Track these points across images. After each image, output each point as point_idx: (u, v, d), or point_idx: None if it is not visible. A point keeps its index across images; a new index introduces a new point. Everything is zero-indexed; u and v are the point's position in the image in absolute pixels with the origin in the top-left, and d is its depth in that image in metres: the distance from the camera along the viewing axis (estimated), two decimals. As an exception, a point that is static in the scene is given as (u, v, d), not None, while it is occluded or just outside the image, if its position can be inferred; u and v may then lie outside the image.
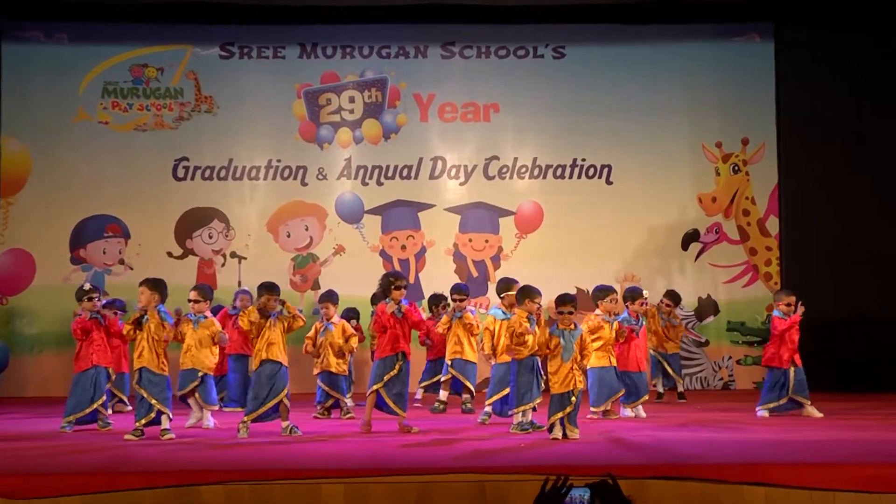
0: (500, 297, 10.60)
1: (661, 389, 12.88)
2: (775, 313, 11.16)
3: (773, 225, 14.96)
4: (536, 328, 9.67)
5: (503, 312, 10.44)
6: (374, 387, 9.70)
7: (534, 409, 9.71)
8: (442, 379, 11.69)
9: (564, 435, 9.06)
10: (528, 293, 9.80)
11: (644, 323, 11.44)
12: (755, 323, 14.76)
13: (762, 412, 10.94)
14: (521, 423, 9.61)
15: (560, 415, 9.07)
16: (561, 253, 14.76)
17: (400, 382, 9.71)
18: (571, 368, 9.12)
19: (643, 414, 11.07)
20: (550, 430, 9.10)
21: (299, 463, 7.75)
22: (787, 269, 14.67)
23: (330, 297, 11.47)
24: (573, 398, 9.08)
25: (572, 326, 9.25)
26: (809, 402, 10.99)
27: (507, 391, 10.14)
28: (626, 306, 11.25)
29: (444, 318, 11.71)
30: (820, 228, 14.34)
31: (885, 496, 6.97)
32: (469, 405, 11.46)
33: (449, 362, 11.55)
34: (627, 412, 11.02)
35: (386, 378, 9.67)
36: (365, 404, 9.98)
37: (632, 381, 11.04)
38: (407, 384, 9.86)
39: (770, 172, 14.96)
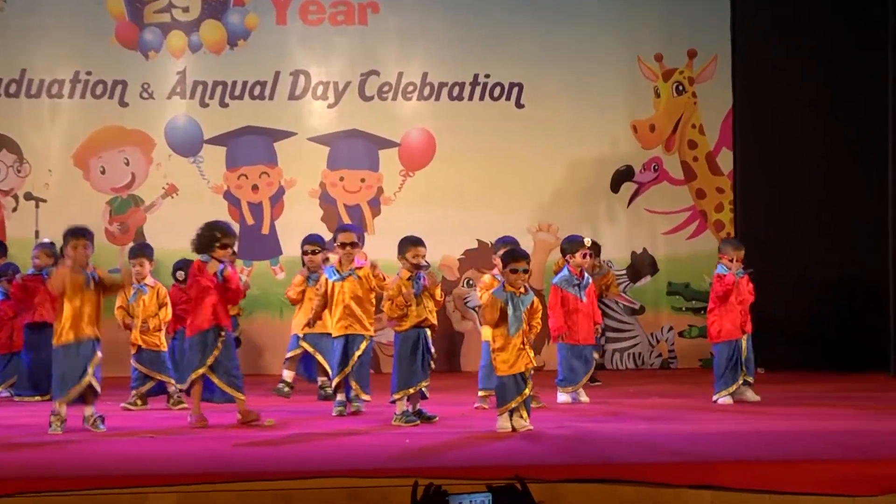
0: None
1: None
2: (718, 269, 11.37)
3: (725, 160, 15.22)
4: (435, 291, 9.71)
5: (335, 272, 10.42)
6: (199, 371, 9.66)
7: (423, 394, 9.78)
8: (289, 355, 11.73)
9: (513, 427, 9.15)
10: (409, 246, 9.83)
11: (591, 281, 11.58)
12: (702, 284, 15.04)
13: (724, 399, 11.14)
14: (405, 412, 9.67)
15: (516, 402, 9.09)
16: (458, 195, 14.83)
17: (229, 359, 9.72)
18: (522, 344, 9.16)
19: (585, 398, 11.31)
20: (501, 418, 9.14)
21: (120, 467, 7.69)
22: (742, 215, 14.94)
23: (144, 251, 11.38)
24: (527, 381, 9.13)
25: (522, 290, 9.29)
26: (751, 381, 11.26)
27: (348, 368, 10.19)
28: (566, 261, 11.36)
29: (298, 279, 11.74)
30: (784, 165, 14.60)
31: (858, 499, 7.18)
32: (328, 389, 11.52)
33: (300, 335, 11.62)
34: (564, 397, 11.23)
35: (210, 360, 9.64)
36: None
37: (577, 359, 11.27)
38: (237, 360, 9.87)
39: (723, 94, 15.19)
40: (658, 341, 15.11)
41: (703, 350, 14.82)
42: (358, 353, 10.22)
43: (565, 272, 11.38)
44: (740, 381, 11.18)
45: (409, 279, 9.73)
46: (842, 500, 7.19)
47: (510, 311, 9.12)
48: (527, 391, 9.14)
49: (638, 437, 8.91)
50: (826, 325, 14.24)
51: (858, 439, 8.57)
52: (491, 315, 9.16)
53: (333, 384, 10.40)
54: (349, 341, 10.27)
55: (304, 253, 11.85)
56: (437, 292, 9.87)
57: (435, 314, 9.90)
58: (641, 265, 15.15)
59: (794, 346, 14.02)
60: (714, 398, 11.17)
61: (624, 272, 15.02)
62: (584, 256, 11.39)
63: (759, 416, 10.16)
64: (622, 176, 15.17)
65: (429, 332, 9.81)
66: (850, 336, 14.17)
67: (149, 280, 11.22)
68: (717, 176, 15.22)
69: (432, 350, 9.83)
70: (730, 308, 11.23)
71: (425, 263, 9.84)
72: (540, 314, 9.35)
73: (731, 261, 11.22)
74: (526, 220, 14.86)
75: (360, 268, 10.37)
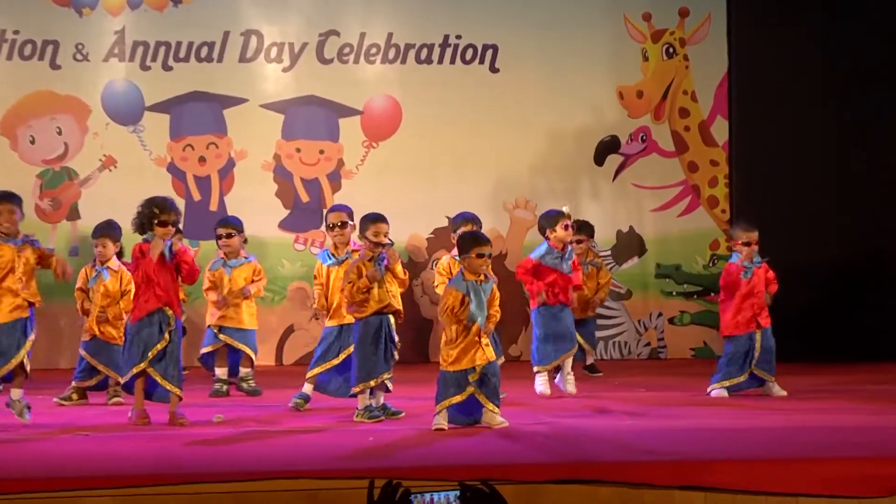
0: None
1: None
2: (732, 258, 11.37)
3: (720, 130, 15.26)
4: (396, 267, 9.71)
5: (330, 256, 10.51)
6: (140, 366, 9.64)
7: (386, 388, 9.80)
8: (205, 350, 11.80)
9: (476, 421, 9.19)
10: (369, 223, 9.83)
11: (574, 257, 11.58)
12: (695, 266, 15.09)
13: (719, 391, 11.19)
14: (368, 407, 9.70)
15: (456, 399, 9.14)
16: (426, 169, 14.84)
17: (173, 353, 9.70)
18: (478, 336, 9.21)
19: (571, 388, 11.38)
20: (438, 415, 9.22)
21: (49, 467, 7.68)
22: (739, 191, 14.97)
23: (110, 230, 11.31)
24: (474, 375, 9.16)
25: (482, 278, 9.30)
26: (773, 379, 11.30)
27: (337, 360, 10.27)
28: (546, 238, 11.36)
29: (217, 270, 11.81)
30: (785, 135, 14.63)
31: (864, 501, 7.23)
32: (251, 383, 11.58)
33: (216, 329, 11.69)
34: (540, 383, 11.30)
35: (152, 353, 9.62)
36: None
37: (554, 332, 11.35)
38: (180, 354, 9.85)
39: (717, 57, 15.22)
40: (646, 329, 15.16)
41: (696, 338, 14.91)
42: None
43: (545, 247, 11.34)
44: (742, 377, 11.19)
45: (370, 260, 9.73)
46: (846, 501, 7.24)
47: (473, 302, 9.14)
48: (468, 391, 9.14)
49: (623, 433, 8.94)
50: (834, 312, 14.26)
51: (866, 436, 8.64)
52: (451, 311, 9.18)
53: (310, 374, 10.44)
54: (344, 332, 10.29)
55: (218, 237, 11.84)
56: (399, 268, 9.82)
57: (399, 299, 9.90)
58: (628, 245, 15.18)
59: (799, 334, 13.94)
60: (708, 389, 11.22)
61: (609, 253, 15.05)
62: (566, 228, 11.37)
63: (758, 411, 10.22)
64: (607, 147, 15.19)
65: (392, 318, 9.82)
66: (860, 324, 14.22)
67: (113, 263, 11.15)
68: (711, 147, 15.26)
69: (396, 338, 9.84)
70: (736, 302, 11.21)
71: (388, 242, 9.84)
72: (498, 301, 9.39)
73: (748, 244, 11.15)
74: (501, 195, 14.88)
75: (357, 251, 10.41)
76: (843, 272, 14.40)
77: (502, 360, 10.58)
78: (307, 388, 10.50)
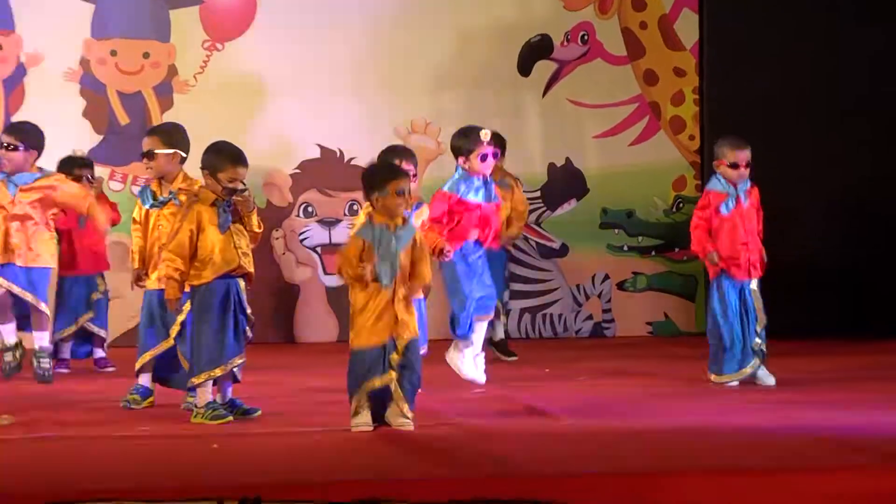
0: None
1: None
2: (710, 184, 11.44)
3: (688, 28, 15.41)
4: (251, 218, 9.75)
5: (151, 196, 10.53)
6: None
7: (234, 377, 9.85)
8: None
9: (383, 421, 9.26)
10: (227, 162, 9.82)
11: (494, 183, 11.66)
12: (653, 213, 15.24)
13: (732, 383, 11.29)
14: (210, 403, 9.73)
15: (377, 383, 9.19)
16: (290, 80, 14.92)
17: None
18: (392, 300, 9.28)
19: (480, 376, 11.46)
20: (354, 414, 9.30)
21: None
22: (712, 110, 15.13)
23: None
24: (396, 355, 9.27)
25: (398, 221, 9.29)
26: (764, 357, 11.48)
27: (169, 342, 10.38)
28: (460, 163, 11.35)
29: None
30: (773, 34, 14.80)
31: (868, 525, 7.44)
32: (44, 363, 11.68)
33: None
34: (465, 363, 11.36)
35: None
36: None
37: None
38: None
39: (683, -75, 15.43)
40: (587, 297, 15.28)
41: (654, 310, 15.06)
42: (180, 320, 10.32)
43: (461, 172, 11.36)
44: (757, 360, 11.32)
45: (213, 205, 9.71)
46: (845, 526, 7.45)
47: (378, 254, 9.14)
48: (391, 375, 9.26)
49: (554, 437, 9.08)
50: (846, 273, 14.49)
51: (872, 438, 8.77)
52: (352, 266, 9.21)
53: (139, 363, 10.51)
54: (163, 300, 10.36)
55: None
56: (254, 220, 9.85)
57: (251, 258, 9.89)
58: (563, 184, 15.29)
59: (800, 302, 14.19)
60: (710, 379, 11.40)
61: (538, 194, 15.16)
62: (484, 159, 11.39)
63: (734, 406, 10.38)
64: (535, 51, 15.29)
65: (242, 283, 9.85)
66: (881, 286, 14.52)
67: None
68: (675, 51, 15.40)
69: (248, 310, 9.88)
70: (718, 228, 11.30)
71: (242, 187, 9.82)
72: (427, 258, 9.41)
73: (734, 167, 11.21)
74: (393, 116, 14.93)
75: (184, 191, 10.44)
76: (862, 220, 14.63)
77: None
78: (143, 378, 10.54)
